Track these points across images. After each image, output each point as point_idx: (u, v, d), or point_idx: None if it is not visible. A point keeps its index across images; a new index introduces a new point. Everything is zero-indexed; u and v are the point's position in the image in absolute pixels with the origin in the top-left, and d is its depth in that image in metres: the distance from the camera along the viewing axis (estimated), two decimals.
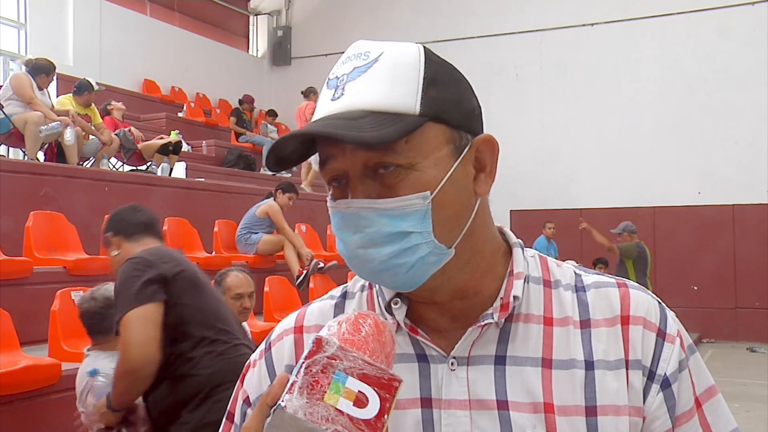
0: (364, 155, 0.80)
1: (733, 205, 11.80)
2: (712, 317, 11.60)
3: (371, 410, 0.68)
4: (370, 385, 0.69)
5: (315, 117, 0.84)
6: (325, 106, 0.83)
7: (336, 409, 0.68)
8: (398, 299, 0.89)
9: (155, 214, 3.12)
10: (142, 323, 2.52)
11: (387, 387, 0.70)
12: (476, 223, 0.86)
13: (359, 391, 0.69)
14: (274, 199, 7.30)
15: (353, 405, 0.68)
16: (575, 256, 10.53)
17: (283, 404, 0.68)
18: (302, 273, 7.09)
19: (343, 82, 0.82)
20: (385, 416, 0.69)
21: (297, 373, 0.70)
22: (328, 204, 0.87)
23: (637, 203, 12.17)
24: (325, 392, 0.68)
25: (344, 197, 0.83)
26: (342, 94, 0.82)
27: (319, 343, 0.71)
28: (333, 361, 0.70)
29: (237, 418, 0.96)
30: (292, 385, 0.69)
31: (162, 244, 2.98)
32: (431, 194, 0.81)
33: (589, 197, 12.60)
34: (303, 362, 0.70)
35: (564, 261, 0.98)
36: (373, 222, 0.80)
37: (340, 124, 0.79)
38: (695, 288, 11.77)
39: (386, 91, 0.80)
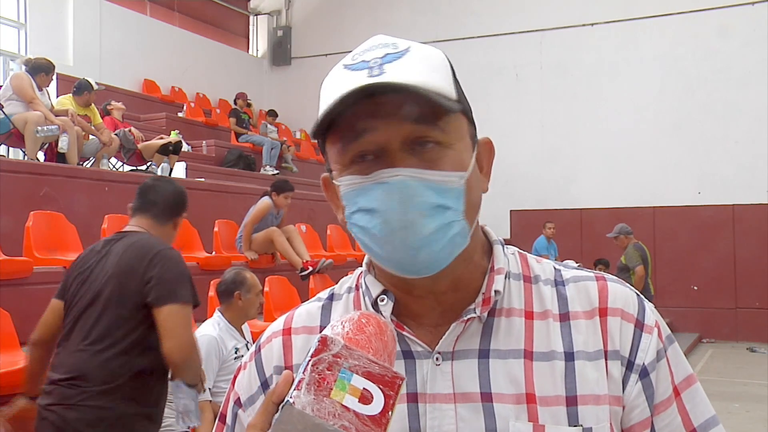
0: (408, 128, 0.81)
1: (733, 205, 11.80)
2: (712, 317, 11.60)
3: (376, 407, 0.70)
4: (374, 383, 0.71)
5: (346, 92, 0.79)
6: (363, 82, 0.80)
7: (342, 405, 0.70)
8: (384, 296, 0.90)
9: (172, 194, 3.04)
10: None
11: (390, 384, 0.72)
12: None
13: (364, 389, 0.71)
14: (272, 200, 7.26)
15: (359, 401, 0.70)
16: (575, 256, 10.55)
17: (291, 400, 0.70)
18: (307, 267, 7.07)
19: (378, 63, 0.82)
20: (389, 412, 0.71)
21: (304, 371, 0.71)
22: (350, 180, 0.83)
23: (637, 203, 12.18)
24: (332, 389, 0.70)
25: (377, 169, 0.81)
26: (382, 71, 0.81)
27: (324, 342, 0.72)
28: (338, 359, 0.72)
29: (229, 419, 0.97)
30: (299, 382, 0.71)
31: (142, 229, 2.92)
32: (466, 174, 0.84)
33: (589, 197, 12.61)
34: (309, 360, 0.72)
35: (564, 261, 0.99)
36: (419, 192, 0.80)
37: (406, 87, 0.78)
38: (695, 288, 11.77)
39: (428, 74, 0.83)
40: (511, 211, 12.65)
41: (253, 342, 3.92)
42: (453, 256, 0.84)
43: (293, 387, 0.71)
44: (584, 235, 12.50)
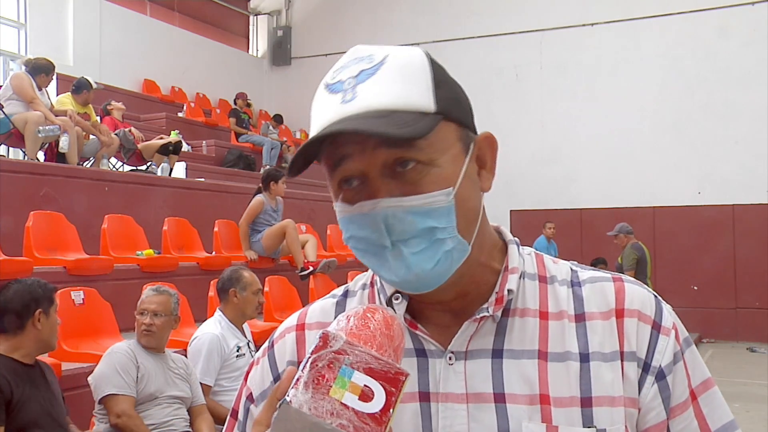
0: (385, 153, 0.80)
1: (733, 205, 11.80)
2: (712, 317, 11.59)
3: (377, 404, 0.69)
4: (376, 379, 0.70)
5: (324, 121, 0.82)
6: (336, 109, 0.81)
7: (341, 403, 0.68)
8: (399, 295, 0.90)
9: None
10: None
11: (393, 381, 0.70)
12: (482, 219, 0.88)
13: (365, 386, 0.69)
14: (269, 192, 7.25)
15: (358, 399, 0.69)
16: (575, 256, 10.53)
17: (288, 399, 0.69)
18: (308, 267, 7.06)
19: (352, 84, 0.82)
20: (391, 410, 0.69)
21: (303, 369, 0.70)
22: (339, 209, 0.85)
23: (637, 203, 12.17)
24: (331, 387, 0.69)
25: (360, 199, 0.82)
26: (354, 96, 0.81)
27: (325, 339, 0.71)
28: (339, 356, 0.70)
29: (240, 415, 0.97)
30: (297, 380, 0.70)
31: None
32: (453, 190, 0.82)
33: (589, 197, 12.60)
34: (309, 357, 0.71)
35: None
36: (401, 220, 0.80)
37: (369, 122, 0.78)
38: (695, 288, 11.77)
39: (402, 90, 0.81)
40: (511, 211, 12.64)
41: (254, 341, 3.93)
42: (453, 269, 0.83)
43: (292, 385, 0.70)
44: (584, 235, 12.49)
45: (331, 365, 0.70)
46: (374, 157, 0.80)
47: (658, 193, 12.20)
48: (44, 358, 4.13)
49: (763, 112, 11.56)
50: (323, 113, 0.83)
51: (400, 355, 0.76)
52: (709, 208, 11.87)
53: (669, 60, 12.36)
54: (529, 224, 11.94)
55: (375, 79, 0.81)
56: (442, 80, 0.84)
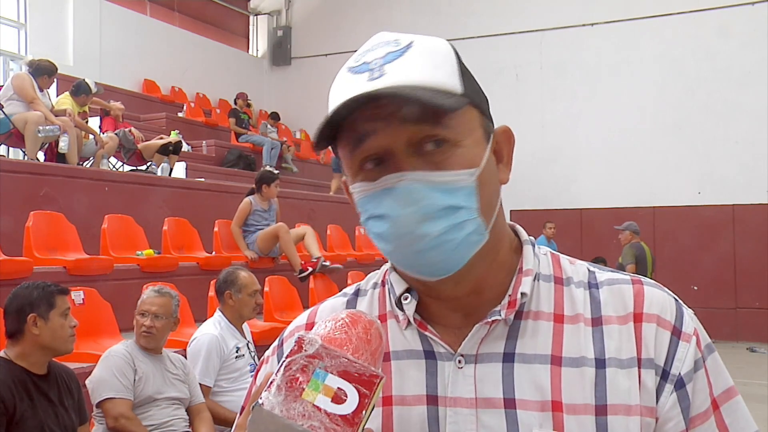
0: (411, 129, 0.79)
1: (733, 205, 11.80)
2: (712, 317, 11.56)
3: (349, 406, 0.69)
4: (350, 382, 0.70)
5: (348, 97, 0.79)
6: (363, 86, 0.79)
7: (313, 405, 0.69)
8: (408, 294, 0.88)
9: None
10: None
11: (367, 383, 0.71)
12: (499, 212, 0.86)
13: (338, 388, 0.70)
14: (260, 194, 7.23)
15: (331, 401, 0.69)
16: (575, 256, 10.49)
17: (261, 401, 0.69)
18: (306, 269, 7.04)
19: (379, 64, 0.81)
20: (364, 411, 0.69)
21: (277, 372, 0.71)
22: (360, 188, 0.83)
23: (637, 203, 12.17)
24: (304, 389, 0.69)
25: (384, 175, 0.80)
26: (382, 73, 0.80)
27: (300, 343, 0.72)
28: (313, 359, 0.71)
29: None
30: (271, 383, 0.70)
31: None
32: (477, 170, 0.81)
33: (589, 197, 12.61)
34: (283, 361, 0.71)
35: None
36: (426, 195, 0.78)
37: (403, 89, 0.77)
38: (695, 288, 11.77)
39: (430, 71, 0.81)
40: (511, 211, 12.64)
41: (254, 341, 3.92)
42: (469, 256, 0.82)
43: (265, 388, 0.70)
44: (584, 235, 12.50)
45: (305, 368, 0.70)
46: (400, 132, 0.79)
47: (658, 193, 12.20)
48: None
49: (763, 112, 11.56)
50: (347, 91, 0.80)
51: (378, 358, 0.76)
52: (709, 208, 11.88)
53: (669, 60, 12.36)
54: (529, 224, 11.74)
55: (403, 60, 0.81)
56: (465, 70, 0.85)
